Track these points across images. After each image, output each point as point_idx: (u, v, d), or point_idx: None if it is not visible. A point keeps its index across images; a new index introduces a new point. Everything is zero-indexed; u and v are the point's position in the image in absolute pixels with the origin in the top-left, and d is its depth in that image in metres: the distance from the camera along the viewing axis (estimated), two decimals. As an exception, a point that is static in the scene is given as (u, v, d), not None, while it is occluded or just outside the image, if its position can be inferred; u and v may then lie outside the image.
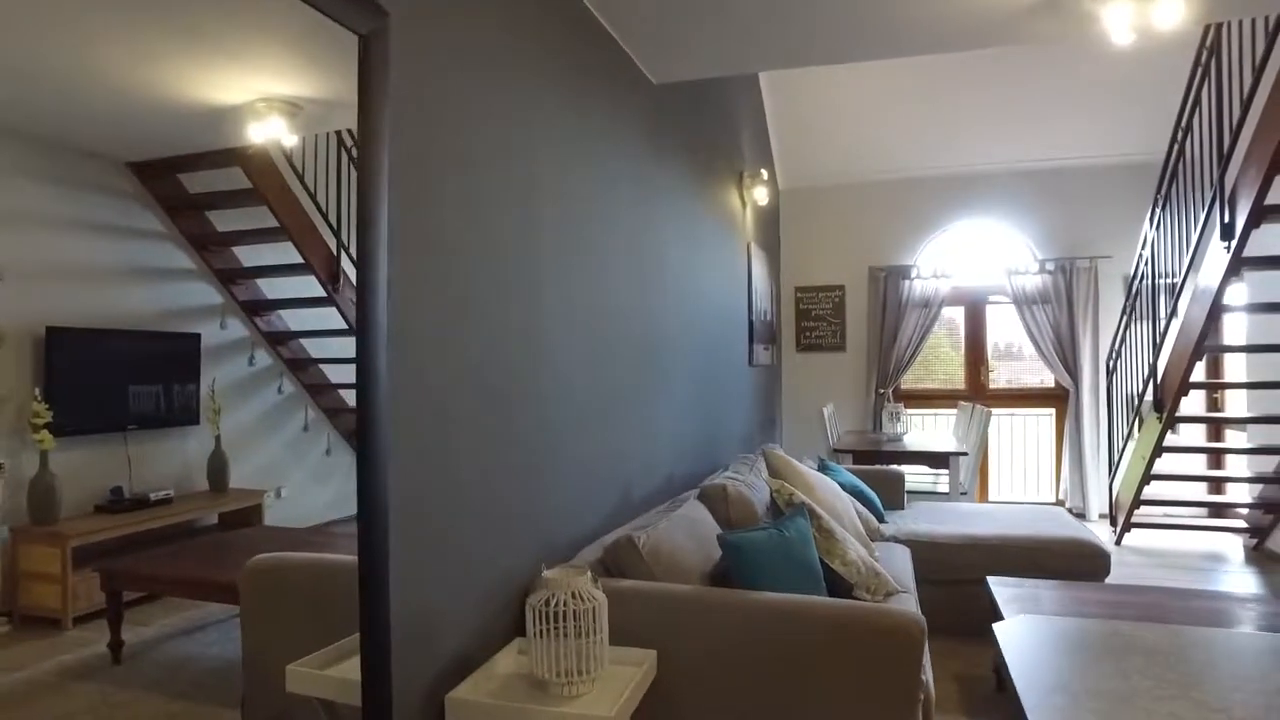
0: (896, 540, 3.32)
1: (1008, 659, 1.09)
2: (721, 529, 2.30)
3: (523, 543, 2.03)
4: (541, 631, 1.52)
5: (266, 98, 2.01)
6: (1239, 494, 5.29)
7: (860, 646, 1.67)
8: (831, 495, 2.88)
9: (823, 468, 3.67)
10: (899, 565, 2.82)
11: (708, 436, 4.02)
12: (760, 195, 5.16)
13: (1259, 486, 4.89)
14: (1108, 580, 3.25)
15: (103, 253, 2.16)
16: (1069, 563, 3.20)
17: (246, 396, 2.55)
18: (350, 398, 3.01)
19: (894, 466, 4.50)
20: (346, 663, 1.48)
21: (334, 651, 1.49)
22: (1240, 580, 4.45)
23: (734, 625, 1.76)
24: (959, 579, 3.25)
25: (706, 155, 4.15)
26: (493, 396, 1.98)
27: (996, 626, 1.28)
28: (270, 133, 2.11)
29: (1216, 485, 5.59)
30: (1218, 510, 5.48)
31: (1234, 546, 5.12)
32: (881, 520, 3.53)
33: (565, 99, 2.42)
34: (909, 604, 2.32)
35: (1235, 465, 5.53)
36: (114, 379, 2.05)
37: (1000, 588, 2.64)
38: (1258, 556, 4.90)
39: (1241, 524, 5.14)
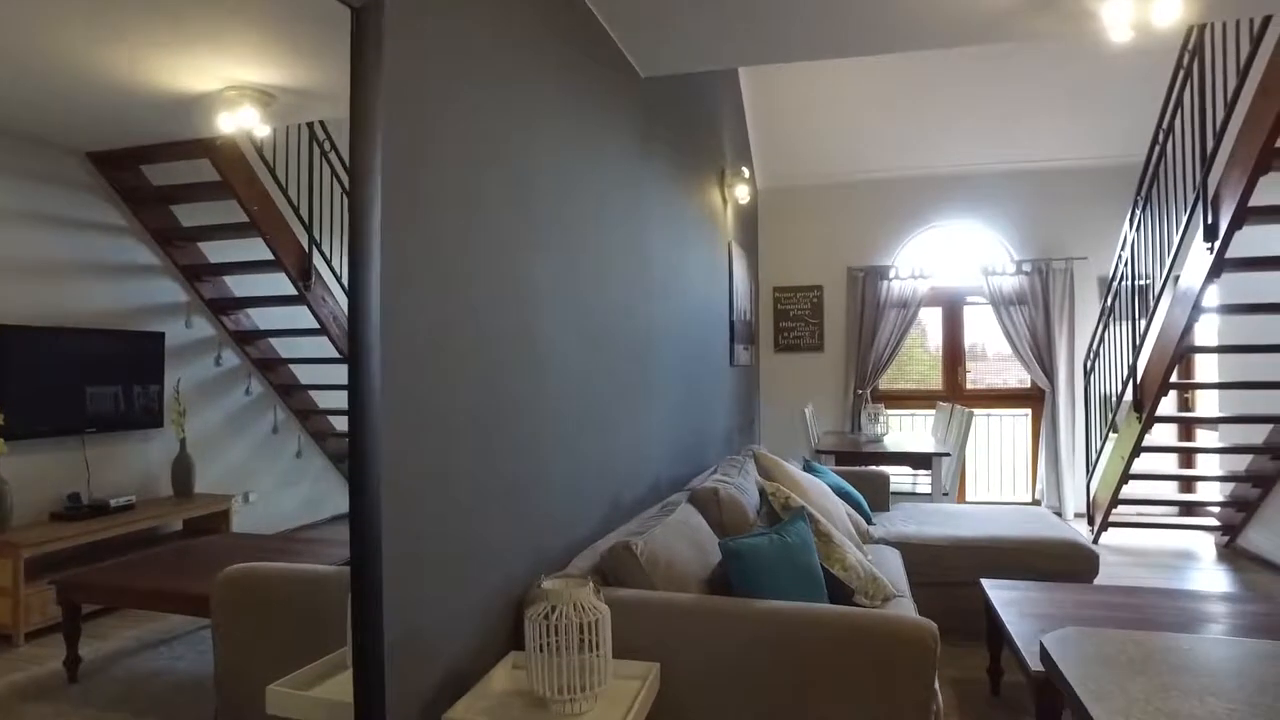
0: (886, 542, 3.29)
1: (1069, 677, 1.04)
2: (714, 533, 2.24)
3: (515, 551, 1.95)
4: (541, 646, 1.44)
5: (238, 85, 1.90)
6: (1210, 492, 5.36)
7: (871, 656, 1.62)
8: (823, 498, 2.83)
9: (808, 469, 3.63)
10: (892, 568, 2.79)
11: (692, 438, 3.97)
12: (741, 193, 5.12)
13: (1230, 485, 4.95)
14: (1095, 581, 3.24)
15: (58, 247, 2.03)
16: (1058, 564, 3.19)
17: (213, 398, 2.43)
18: (321, 399, 2.90)
19: (877, 467, 4.48)
20: (331, 681, 1.39)
21: (318, 669, 1.39)
22: (1216, 577, 4.50)
23: (739, 635, 1.70)
24: (948, 581, 3.22)
25: (690, 152, 4.09)
26: (485, 401, 1.89)
27: (1045, 639, 1.23)
28: (241, 123, 2.00)
29: (1187, 484, 5.67)
30: (1188, 508, 5.55)
31: (1206, 544, 5.19)
32: (869, 522, 3.50)
33: (558, 90, 2.34)
34: (907, 608, 2.28)
35: (1206, 464, 5.60)
36: (70, 380, 1.93)
37: (995, 590, 2.61)
38: (1229, 553, 4.97)
39: (1213, 521, 5.20)
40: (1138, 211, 4.72)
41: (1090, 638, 1.24)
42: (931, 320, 6.74)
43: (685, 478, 3.67)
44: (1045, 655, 1.21)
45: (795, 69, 5.56)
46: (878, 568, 2.59)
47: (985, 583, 2.71)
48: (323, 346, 2.71)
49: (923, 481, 5.33)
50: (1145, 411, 4.52)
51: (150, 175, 2.31)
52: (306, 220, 2.71)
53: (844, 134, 6.19)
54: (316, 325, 2.75)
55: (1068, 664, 1.07)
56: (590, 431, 2.50)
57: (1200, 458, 5.67)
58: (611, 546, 1.92)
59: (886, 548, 3.17)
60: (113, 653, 1.78)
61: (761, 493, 2.48)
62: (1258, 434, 4.64)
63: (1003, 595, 2.55)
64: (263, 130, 2.11)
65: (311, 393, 2.80)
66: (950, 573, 3.23)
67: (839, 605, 1.85)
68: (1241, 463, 4.86)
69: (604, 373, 2.63)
